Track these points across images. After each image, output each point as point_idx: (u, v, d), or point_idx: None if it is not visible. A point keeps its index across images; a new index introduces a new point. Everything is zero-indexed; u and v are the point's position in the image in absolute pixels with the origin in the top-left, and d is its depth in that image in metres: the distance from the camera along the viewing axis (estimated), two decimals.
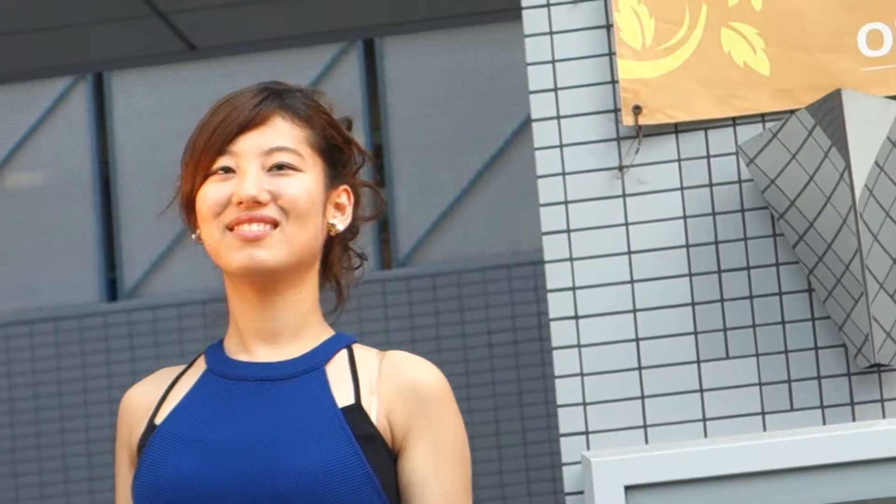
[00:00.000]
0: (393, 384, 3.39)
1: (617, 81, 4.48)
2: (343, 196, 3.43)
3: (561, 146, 4.47)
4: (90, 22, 10.23)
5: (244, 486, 3.36)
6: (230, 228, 3.35)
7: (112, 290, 12.70)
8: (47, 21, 10.29)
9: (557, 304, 4.45)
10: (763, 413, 4.38)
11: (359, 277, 3.54)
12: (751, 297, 4.41)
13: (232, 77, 12.39)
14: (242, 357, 3.44)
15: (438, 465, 3.42)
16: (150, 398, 3.49)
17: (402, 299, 11.37)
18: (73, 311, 12.40)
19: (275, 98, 3.42)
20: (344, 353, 3.45)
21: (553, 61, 4.49)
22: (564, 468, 4.38)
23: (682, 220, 4.46)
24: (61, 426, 12.17)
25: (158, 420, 3.44)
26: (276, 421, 3.39)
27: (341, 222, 3.42)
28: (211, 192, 3.34)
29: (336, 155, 3.46)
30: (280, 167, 3.37)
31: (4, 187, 12.95)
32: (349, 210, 3.44)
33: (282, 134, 3.39)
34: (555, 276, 4.47)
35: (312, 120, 3.42)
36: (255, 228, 3.35)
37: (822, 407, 4.37)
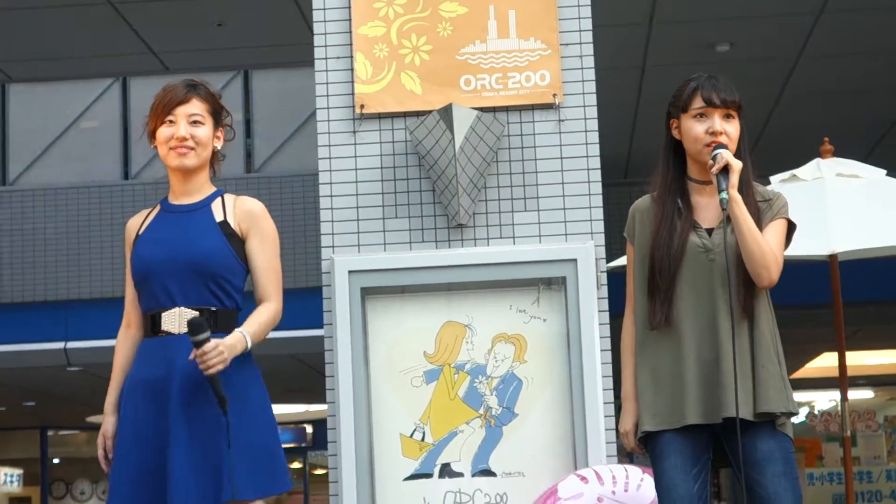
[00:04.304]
0: (241, 210, 3.93)
1: (354, 93, 4.93)
2: (220, 132, 3.99)
3: (328, 121, 4.94)
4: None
5: (176, 258, 3.85)
6: (172, 148, 3.93)
7: (126, 170, 13.00)
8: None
9: (324, 189, 4.88)
10: (410, 242, 4.83)
11: (223, 158, 4.04)
12: (410, 191, 4.87)
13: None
14: (175, 202, 3.97)
15: (262, 246, 3.91)
16: (137, 222, 4.02)
17: (253, 185, 11.82)
18: (100, 182, 12.56)
19: (192, 88, 3.96)
20: (220, 198, 3.98)
21: (327, 83, 4.95)
22: (323, 262, 4.85)
23: (379, 157, 4.90)
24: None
25: (141, 231, 3.97)
26: (189, 229, 3.89)
27: (219, 144, 4.00)
28: (165, 132, 3.93)
29: (218, 114, 3.99)
30: (194, 122, 3.92)
31: (80, 127, 13.16)
32: (222, 139, 4.00)
33: (196, 107, 3.94)
34: (323, 177, 4.90)
35: (208, 99, 3.97)
36: (183, 151, 3.91)
37: (437, 241, 4.82)
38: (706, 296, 3.71)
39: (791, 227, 3.82)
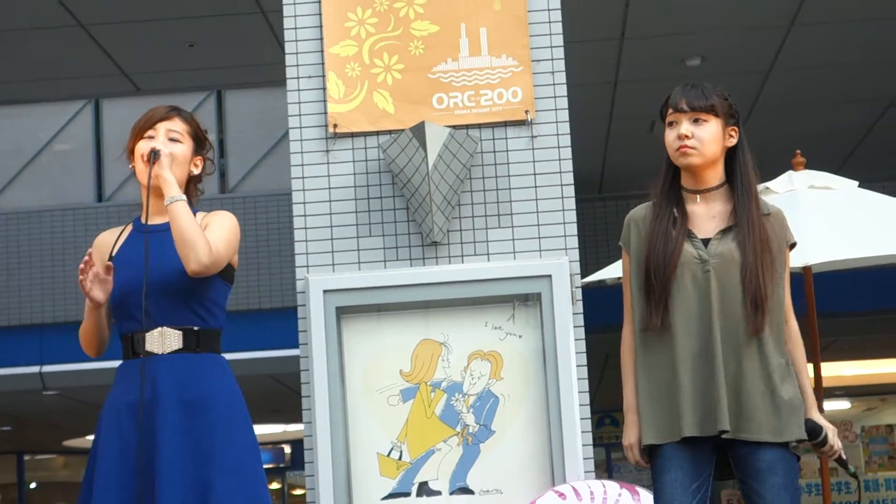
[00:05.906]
0: (209, 218, 3.92)
1: (327, 112, 4.92)
2: (198, 161, 4.00)
3: (301, 140, 4.92)
4: None
5: (153, 278, 3.81)
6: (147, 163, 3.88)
7: (99, 192, 12.93)
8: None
9: (298, 208, 4.89)
10: (384, 261, 4.81)
11: (202, 193, 4.08)
12: (384, 210, 4.86)
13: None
14: (148, 223, 3.93)
15: (217, 228, 3.88)
16: (109, 239, 4.00)
17: (227, 205, 11.59)
18: (73, 204, 12.50)
19: (175, 110, 4.00)
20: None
21: (300, 102, 4.93)
22: (298, 282, 4.83)
23: (352, 176, 4.89)
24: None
25: (114, 252, 3.94)
26: (165, 248, 3.85)
27: (196, 170, 3.99)
28: (142, 146, 3.91)
29: (199, 140, 4.01)
30: (172, 139, 3.92)
31: (53, 150, 13.11)
32: (200, 167, 4.00)
33: (177, 125, 3.96)
34: (297, 196, 4.85)
35: (189, 122, 3.99)
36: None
37: (411, 259, 4.82)
38: (701, 306, 3.69)
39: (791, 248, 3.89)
